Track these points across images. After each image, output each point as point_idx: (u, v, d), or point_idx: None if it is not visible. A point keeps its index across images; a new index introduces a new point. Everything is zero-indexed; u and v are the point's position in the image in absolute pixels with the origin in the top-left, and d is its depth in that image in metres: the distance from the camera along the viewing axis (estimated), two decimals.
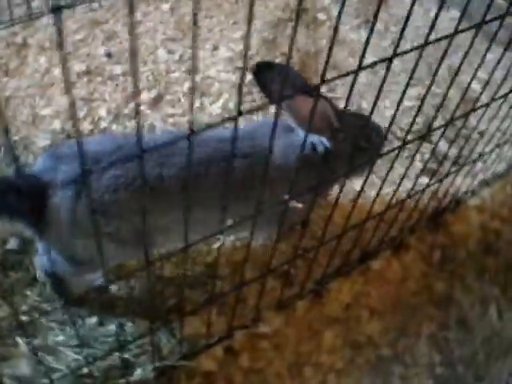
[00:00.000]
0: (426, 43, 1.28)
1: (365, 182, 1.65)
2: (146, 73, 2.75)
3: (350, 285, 2.15)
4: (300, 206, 1.53)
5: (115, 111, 2.54)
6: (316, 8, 3.33)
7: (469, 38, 1.47)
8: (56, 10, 0.59)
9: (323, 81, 1.10)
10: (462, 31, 1.36)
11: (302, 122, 1.69)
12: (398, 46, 1.21)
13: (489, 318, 2.18)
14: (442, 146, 2.72)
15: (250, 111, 1.04)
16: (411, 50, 1.29)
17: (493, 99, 1.82)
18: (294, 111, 1.67)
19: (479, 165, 2.62)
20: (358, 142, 1.79)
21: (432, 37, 1.29)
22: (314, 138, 1.77)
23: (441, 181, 2.04)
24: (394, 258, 2.31)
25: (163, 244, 1.76)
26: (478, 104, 1.80)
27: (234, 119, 0.98)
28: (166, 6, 3.12)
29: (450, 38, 1.34)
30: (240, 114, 0.97)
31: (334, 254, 1.89)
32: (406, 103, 2.86)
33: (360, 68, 1.18)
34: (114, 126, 2.47)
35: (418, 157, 2.69)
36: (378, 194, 1.77)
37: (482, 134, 2.58)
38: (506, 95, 1.90)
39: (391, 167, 1.69)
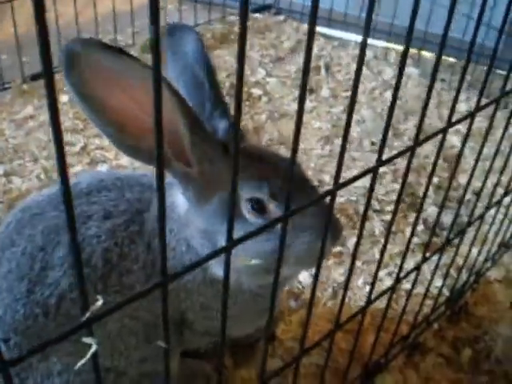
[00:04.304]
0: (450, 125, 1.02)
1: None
2: (37, 170, 2.09)
3: None
4: None
5: None
6: (249, 83, 2.84)
7: None
8: None
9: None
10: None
11: None
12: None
13: None
14: (432, 212, 2.14)
15: None
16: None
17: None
18: None
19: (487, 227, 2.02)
20: None
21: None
22: None
23: (441, 252, 1.37)
24: (410, 368, 1.58)
25: None
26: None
27: None
28: (64, 98, 2.54)
29: (471, 118, 1.09)
30: None
31: (323, 373, 1.15)
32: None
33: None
34: None
35: (407, 230, 2.05)
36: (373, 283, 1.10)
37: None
38: None
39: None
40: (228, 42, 3.25)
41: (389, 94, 2.85)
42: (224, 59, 3.04)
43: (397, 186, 2.22)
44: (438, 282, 1.71)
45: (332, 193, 0.79)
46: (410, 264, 1.82)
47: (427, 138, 0.95)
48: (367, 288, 1.78)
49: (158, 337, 1.12)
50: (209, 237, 1.02)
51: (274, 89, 2.84)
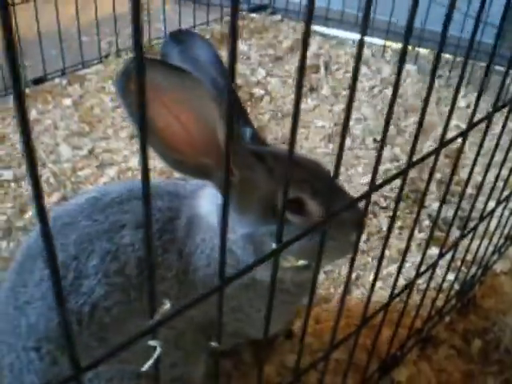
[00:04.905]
0: (470, 126, 1.04)
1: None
2: (45, 175, 2.10)
3: None
4: None
5: (6, 225, 1.88)
6: (250, 84, 2.87)
7: None
8: None
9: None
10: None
11: None
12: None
13: None
14: (436, 207, 2.17)
15: None
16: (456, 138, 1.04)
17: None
18: None
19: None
20: None
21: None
22: None
23: (456, 248, 1.41)
24: (423, 361, 1.62)
25: None
26: None
27: None
28: (67, 101, 2.56)
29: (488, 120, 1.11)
30: None
31: (347, 370, 1.19)
32: (381, 166, 2.31)
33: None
34: (3, 244, 1.81)
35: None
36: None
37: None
38: None
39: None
40: (227, 43, 3.27)
41: (388, 92, 2.89)
42: (223, 60, 3.06)
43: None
44: (448, 276, 1.75)
45: (368, 194, 0.83)
46: (417, 259, 1.86)
47: (450, 141, 0.99)
48: (378, 284, 1.81)
49: (186, 342, 1.15)
50: (252, 240, 1.05)
51: (275, 88, 2.87)
